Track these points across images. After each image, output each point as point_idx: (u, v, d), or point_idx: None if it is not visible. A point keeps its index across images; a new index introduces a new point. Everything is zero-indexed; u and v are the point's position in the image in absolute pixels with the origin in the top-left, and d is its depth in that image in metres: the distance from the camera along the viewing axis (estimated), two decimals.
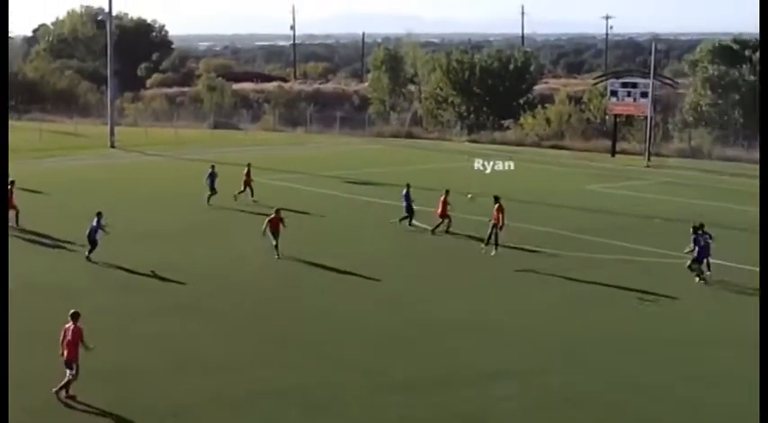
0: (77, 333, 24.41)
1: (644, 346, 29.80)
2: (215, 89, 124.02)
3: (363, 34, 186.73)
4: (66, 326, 24.57)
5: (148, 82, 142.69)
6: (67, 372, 24.10)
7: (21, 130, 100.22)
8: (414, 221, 47.78)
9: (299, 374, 27.17)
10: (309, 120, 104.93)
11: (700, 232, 36.64)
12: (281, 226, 41.07)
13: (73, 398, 24.16)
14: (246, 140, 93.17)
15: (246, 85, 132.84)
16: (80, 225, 45.78)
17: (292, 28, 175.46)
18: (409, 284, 37.73)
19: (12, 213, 46.21)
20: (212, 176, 53.90)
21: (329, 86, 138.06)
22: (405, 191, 48.66)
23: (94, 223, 38.78)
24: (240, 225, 47.81)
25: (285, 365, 28.00)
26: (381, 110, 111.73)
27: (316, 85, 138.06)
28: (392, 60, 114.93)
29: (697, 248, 36.46)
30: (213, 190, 53.59)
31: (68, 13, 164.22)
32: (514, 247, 42.28)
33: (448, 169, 70.41)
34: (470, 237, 44.80)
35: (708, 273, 36.83)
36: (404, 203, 48.30)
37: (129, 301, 33.89)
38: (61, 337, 24.50)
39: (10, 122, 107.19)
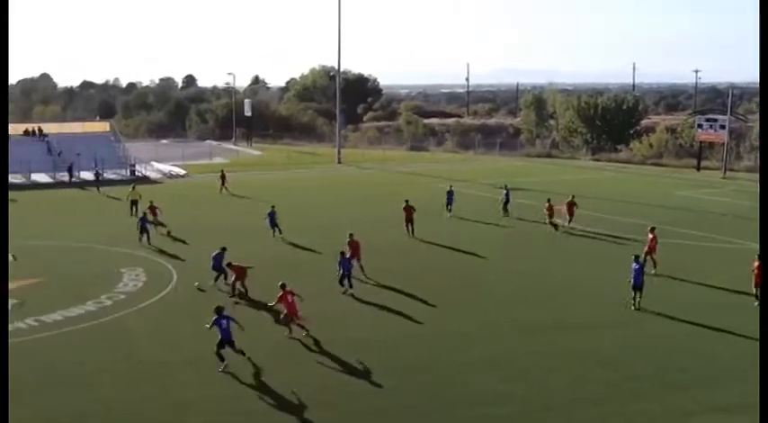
0: (294, 294, 25.99)
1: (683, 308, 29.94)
2: (411, 123, 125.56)
3: (517, 83, 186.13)
4: (280, 294, 25.81)
5: (365, 117, 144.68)
6: (296, 320, 25.65)
7: (276, 150, 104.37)
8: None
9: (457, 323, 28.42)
10: (477, 144, 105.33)
11: None
12: (413, 214, 42.36)
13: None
14: (433, 159, 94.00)
15: (433, 120, 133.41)
16: (320, 214, 47.73)
17: (467, 79, 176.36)
18: (533, 258, 38.57)
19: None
20: (450, 194, 49.97)
21: (492, 121, 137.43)
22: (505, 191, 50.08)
23: (343, 260, 31.75)
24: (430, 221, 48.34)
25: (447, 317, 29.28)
26: (529, 137, 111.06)
27: (482, 120, 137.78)
28: (538, 102, 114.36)
29: None
30: (450, 205, 49.51)
31: (310, 70, 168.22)
32: (615, 237, 42.51)
33: (576, 180, 70.31)
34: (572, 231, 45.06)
35: None
36: (504, 199, 49.45)
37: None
38: (283, 302, 25.70)
39: (269, 146, 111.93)
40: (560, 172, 78.71)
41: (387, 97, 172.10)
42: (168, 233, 43.74)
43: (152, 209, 45.26)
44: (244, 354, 23.43)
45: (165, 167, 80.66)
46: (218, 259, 32.31)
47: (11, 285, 32.54)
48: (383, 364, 23.64)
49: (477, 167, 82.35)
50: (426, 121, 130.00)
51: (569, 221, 44.93)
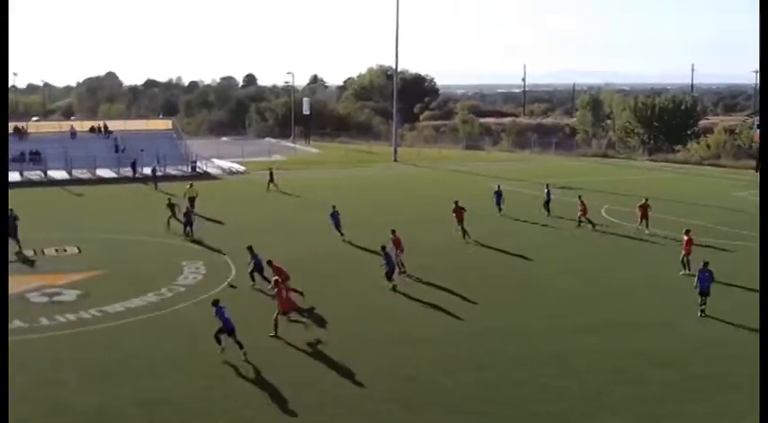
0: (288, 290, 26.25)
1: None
2: (467, 122, 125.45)
3: (574, 84, 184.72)
4: (278, 290, 25.88)
5: (421, 117, 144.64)
6: (289, 315, 25.74)
7: (334, 148, 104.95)
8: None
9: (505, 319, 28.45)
10: (533, 144, 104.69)
11: None
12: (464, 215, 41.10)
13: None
14: (488, 158, 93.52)
15: (489, 120, 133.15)
16: (375, 212, 47.69)
17: (523, 80, 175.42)
18: (584, 257, 38.23)
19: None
20: (499, 194, 48.92)
21: (548, 120, 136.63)
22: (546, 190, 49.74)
23: (386, 254, 31.84)
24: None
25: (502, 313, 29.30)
26: (585, 137, 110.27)
27: (538, 120, 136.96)
28: (594, 102, 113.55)
29: None
30: (499, 205, 48.50)
31: (368, 69, 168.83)
32: (667, 238, 42.00)
33: (632, 180, 69.62)
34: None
35: None
36: (545, 198, 49.08)
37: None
38: (278, 297, 25.74)
39: (327, 144, 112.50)
40: (616, 172, 77.88)
41: (443, 97, 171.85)
42: (187, 233, 42.84)
43: (171, 206, 44.43)
44: (242, 346, 23.64)
45: (225, 164, 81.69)
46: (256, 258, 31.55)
47: (76, 276, 33.37)
48: (433, 360, 23.73)
49: (532, 167, 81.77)
50: (482, 120, 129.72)
51: (640, 223, 42.99)
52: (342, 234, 41.15)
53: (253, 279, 31.56)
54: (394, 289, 31.20)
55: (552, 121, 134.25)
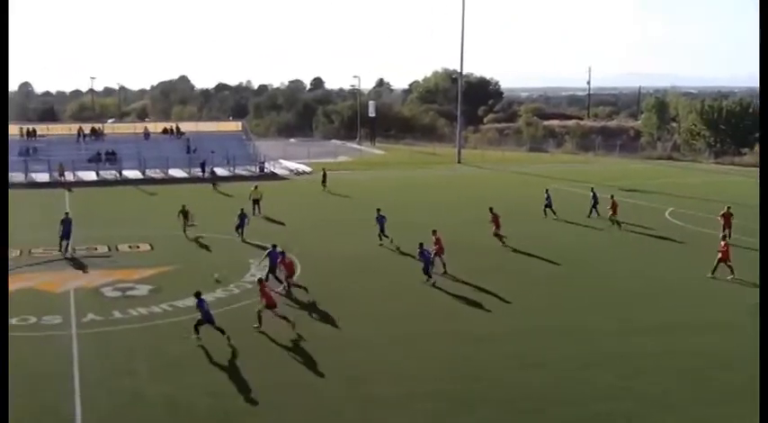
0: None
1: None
2: (531, 125, 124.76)
3: (639, 87, 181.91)
4: (260, 287, 26.29)
5: (485, 119, 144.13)
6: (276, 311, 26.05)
7: (398, 150, 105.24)
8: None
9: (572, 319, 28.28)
10: (597, 146, 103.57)
11: None
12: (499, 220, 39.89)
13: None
14: (552, 160, 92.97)
15: (553, 122, 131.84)
16: (433, 213, 47.63)
17: (588, 83, 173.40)
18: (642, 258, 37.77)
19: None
20: (548, 197, 48.39)
21: (612, 123, 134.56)
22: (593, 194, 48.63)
23: (423, 251, 32.40)
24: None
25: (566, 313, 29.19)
26: (650, 140, 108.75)
27: (603, 123, 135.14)
28: (660, 105, 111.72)
29: None
30: (550, 207, 47.89)
31: (433, 72, 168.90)
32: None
33: (697, 183, 68.52)
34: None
35: None
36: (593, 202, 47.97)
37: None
38: (263, 295, 26.03)
39: (392, 146, 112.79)
40: (681, 175, 76.64)
41: (507, 99, 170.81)
42: (196, 238, 42.65)
43: (185, 213, 43.68)
44: (224, 332, 24.77)
45: (292, 165, 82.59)
46: (273, 257, 31.68)
47: (148, 272, 34.17)
48: (491, 358, 23.73)
49: (596, 169, 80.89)
50: (546, 122, 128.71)
51: (729, 235, 38.72)
52: (384, 237, 39.82)
53: (280, 281, 31.33)
54: (433, 285, 31.62)
55: (617, 124, 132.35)
